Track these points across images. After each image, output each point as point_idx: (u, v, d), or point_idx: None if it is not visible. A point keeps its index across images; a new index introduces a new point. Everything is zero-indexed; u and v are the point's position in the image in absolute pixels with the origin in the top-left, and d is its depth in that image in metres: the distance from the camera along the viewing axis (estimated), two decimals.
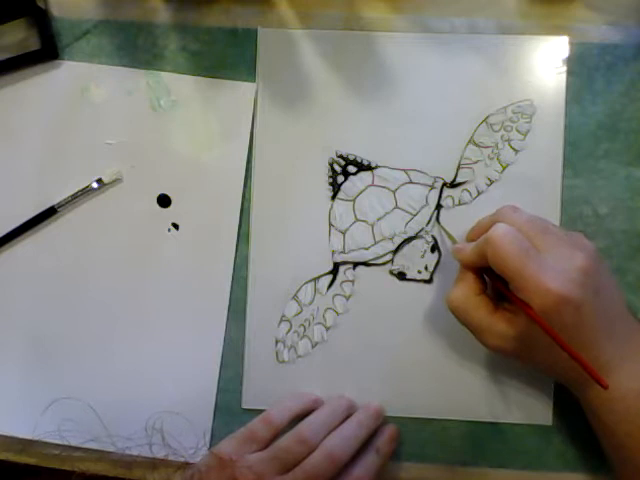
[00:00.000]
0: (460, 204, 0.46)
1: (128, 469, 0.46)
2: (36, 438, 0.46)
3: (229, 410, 0.46)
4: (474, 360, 0.45)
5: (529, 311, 0.37)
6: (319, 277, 0.46)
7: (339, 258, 0.46)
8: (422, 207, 0.46)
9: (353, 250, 0.46)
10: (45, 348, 0.46)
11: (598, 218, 0.45)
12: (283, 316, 0.46)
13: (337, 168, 0.46)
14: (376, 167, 0.46)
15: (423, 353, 0.45)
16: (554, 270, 0.37)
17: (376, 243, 0.46)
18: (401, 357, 0.45)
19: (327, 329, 0.46)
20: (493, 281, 0.40)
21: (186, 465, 0.45)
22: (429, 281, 0.46)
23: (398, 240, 0.46)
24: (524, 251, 0.37)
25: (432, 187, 0.46)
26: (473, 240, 0.41)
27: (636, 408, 0.37)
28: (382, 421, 0.44)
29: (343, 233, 0.46)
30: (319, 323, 0.46)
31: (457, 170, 0.46)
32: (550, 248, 0.38)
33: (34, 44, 0.46)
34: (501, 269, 0.38)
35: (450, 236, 0.45)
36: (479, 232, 0.41)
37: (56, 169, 0.47)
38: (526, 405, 0.45)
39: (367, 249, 0.46)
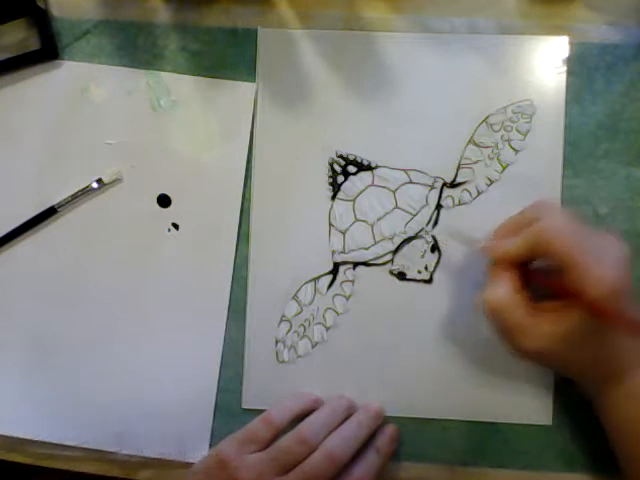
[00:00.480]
0: (460, 204, 0.46)
1: (128, 469, 0.46)
2: (36, 438, 0.46)
3: (229, 410, 0.46)
4: (474, 360, 0.45)
5: (586, 299, 0.36)
6: (319, 277, 0.46)
7: (339, 258, 0.46)
8: (422, 207, 0.46)
9: (353, 250, 0.46)
10: (45, 348, 0.46)
11: (598, 218, 0.45)
12: (283, 316, 0.46)
13: (337, 168, 0.46)
14: (376, 167, 0.46)
15: (423, 353, 0.45)
16: (604, 259, 0.37)
17: (376, 243, 0.46)
18: (401, 357, 0.45)
19: (327, 329, 0.46)
20: (538, 277, 0.40)
21: (186, 465, 0.45)
22: (429, 281, 0.46)
23: (398, 240, 0.46)
24: (580, 240, 0.37)
25: (432, 187, 0.46)
26: (504, 237, 0.41)
27: None
28: (382, 421, 0.44)
29: (343, 233, 0.46)
30: (319, 323, 0.46)
31: (457, 170, 0.46)
32: (593, 239, 0.38)
33: (34, 44, 0.46)
34: (562, 260, 0.37)
35: (468, 239, 0.45)
36: (512, 228, 0.41)
37: (56, 169, 0.47)
38: (526, 405, 0.45)
39: (367, 249, 0.46)
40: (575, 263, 0.36)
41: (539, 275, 0.40)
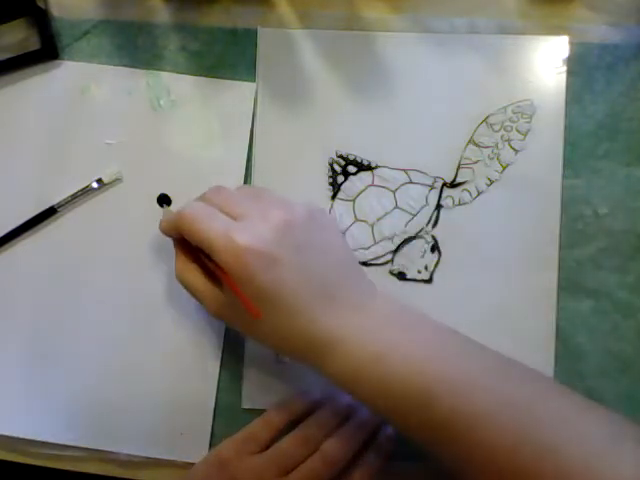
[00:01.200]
0: (460, 204, 0.46)
1: (128, 469, 0.46)
2: (36, 438, 0.46)
3: (229, 410, 0.46)
4: None
5: (218, 271, 0.37)
6: None
7: None
8: (422, 207, 0.46)
9: (353, 250, 0.46)
10: (45, 348, 0.46)
11: (598, 218, 0.45)
12: None
13: (337, 168, 0.46)
14: (376, 167, 0.46)
15: None
16: (244, 229, 0.37)
17: (376, 243, 0.46)
18: None
19: None
20: (196, 253, 0.41)
21: (186, 465, 0.45)
22: (429, 281, 0.46)
23: (398, 240, 0.46)
24: (209, 216, 0.38)
25: (432, 187, 0.46)
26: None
27: (364, 376, 0.36)
28: (382, 421, 0.44)
29: (343, 233, 0.46)
30: None
31: (457, 170, 0.46)
32: (249, 212, 0.38)
33: (34, 44, 0.46)
34: (192, 238, 0.38)
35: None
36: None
37: (56, 169, 0.47)
38: None
39: (367, 249, 0.46)
40: (205, 238, 0.37)
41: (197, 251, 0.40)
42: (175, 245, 0.42)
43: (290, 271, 0.36)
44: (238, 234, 0.36)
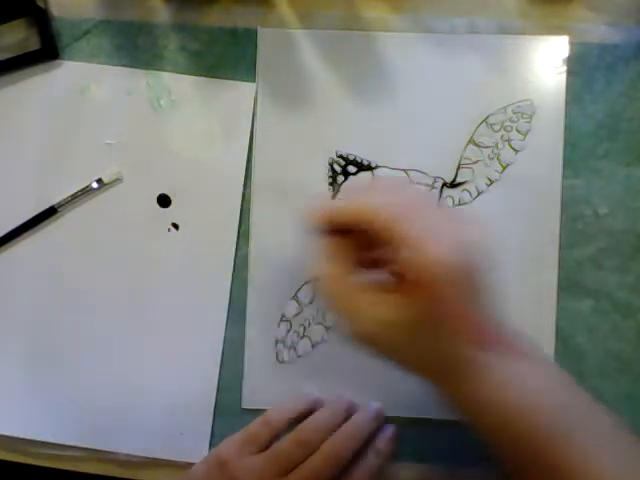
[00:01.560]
0: (460, 204, 0.46)
1: (128, 469, 0.46)
2: (36, 438, 0.46)
3: (229, 410, 0.46)
4: None
5: (411, 278, 0.32)
6: None
7: None
8: None
9: None
10: (45, 348, 0.46)
11: (598, 218, 0.45)
12: (283, 316, 0.46)
13: (337, 168, 0.46)
14: (376, 167, 0.46)
15: None
16: (447, 240, 0.32)
17: None
18: None
19: (327, 329, 0.46)
20: (366, 251, 0.35)
21: (186, 465, 0.45)
22: None
23: None
24: (421, 216, 0.33)
25: (432, 187, 0.46)
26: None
27: (509, 409, 0.35)
28: (382, 421, 0.44)
29: None
30: (319, 323, 0.46)
31: (457, 170, 0.46)
32: (437, 221, 0.34)
33: (34, 44, 0.46)
34: (390, 230, 0.32)
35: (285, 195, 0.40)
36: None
37: (56, 169, 0.47)
38: None
39: None
40: (402, 237, 0.32)
41: (369, 249, 0.35)
42: (324, 243, 0.35)
43: (474, 287, 0.33)
44: (443, 245, 0.32)
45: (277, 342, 0.46)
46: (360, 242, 0.35)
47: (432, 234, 0.32)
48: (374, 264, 0.36)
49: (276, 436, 0.42)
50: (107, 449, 0.46)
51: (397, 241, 0.32)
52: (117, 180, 0.46)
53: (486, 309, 0.34)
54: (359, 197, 0.34)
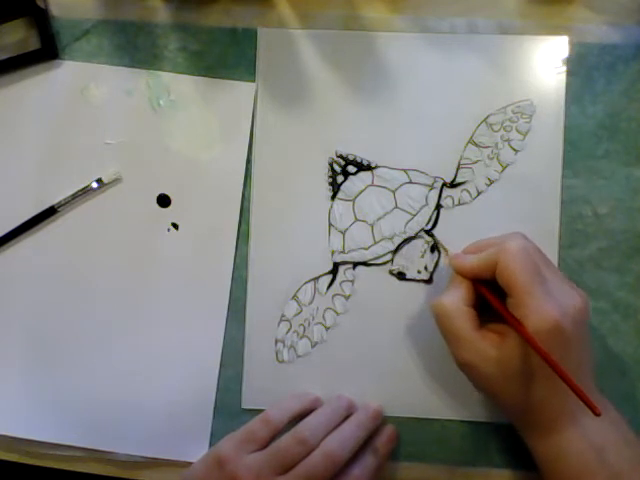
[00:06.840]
0: (460, 204, 0.46)
1: (128, 469, 0.46)
2: (36, 438, 0.46)
3: (229, 410, 0.46)
4: None
5: (522, 329, 0.37)
6: (319, 277, 0.46)
7: (339, 258, 0.46)
8: (422, 207, 0.46)
9: (353, 250, 0.46)
10: (45, 348, 0.47)
11: (598, 218, 0.45)
12: (283, 316, 0.46)
13: (337, 168, 0.46)
14: (376, 167, 0.46)
15: (423, 353, 0.45)
16: (556, 299, 0.37)
17: (376, 243, 0.46)
18: (401, 357, 0.45)
19: (327, 329, 0.46)
20: (488, 295, 0.40)
21: (186, 465, 0.45)
22: (429, 281, 0.46)
23: (398, 240, 0.46)
24: (536, 270, 0.37)
25: (432, 187, 0.46)
26: (472, 252, 0.41)
27: (588, 465, 0.37)
28: (381, 421, 0.44)
29: (343, 233, 0.46)
30: (319, 323, 0.46)
31: (457, 170, 0.46)
32: (554, 280, 0.38)
33: (34, 44, 0.46)
34: (508, 281, 0.37)
35: (442, 246, 0.45)
36: (480, 247, 0.41)
37: (56, 169, 0.47)
38: None
39: (367, 249, 0.46)
40: (524, 290, 0.37)
41: (492, 294, 0.40)
42: (457, 279, 0.41)
43: (573, 352, 0.37)
44: (551, 304, 0.36)
45: (277, 342, 0.46)
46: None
47: (544, 291, 0.37)
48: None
49: (275, 434, 0.42)
50: (107, 449, 0.46)
51: (511, 288, 0.37)
52: (117, 180, 0.46)
53: (585, 371, 0.38)
54: (489, 250, 0.39)
